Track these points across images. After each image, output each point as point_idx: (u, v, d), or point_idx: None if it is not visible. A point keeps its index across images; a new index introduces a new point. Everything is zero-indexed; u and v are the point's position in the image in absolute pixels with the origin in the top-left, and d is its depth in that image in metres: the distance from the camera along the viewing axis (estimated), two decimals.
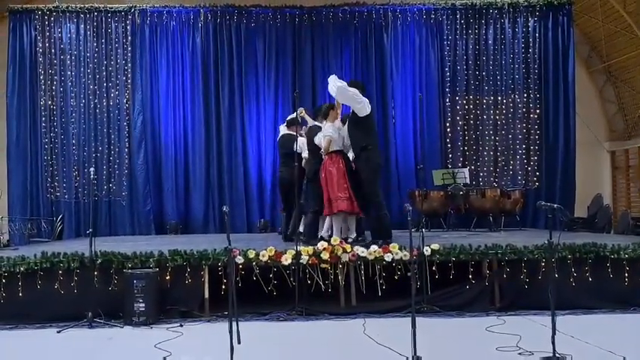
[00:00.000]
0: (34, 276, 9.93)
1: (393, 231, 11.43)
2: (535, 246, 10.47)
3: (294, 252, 10.22)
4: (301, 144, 12.25)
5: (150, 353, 7.86)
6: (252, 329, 8.94)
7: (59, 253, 10.13)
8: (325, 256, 10.27)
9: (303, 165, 12.24)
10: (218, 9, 18.03)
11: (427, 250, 10.33)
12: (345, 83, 11.09)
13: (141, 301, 9.62)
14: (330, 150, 11.22)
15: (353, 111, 11.12)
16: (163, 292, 10.11)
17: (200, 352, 7.45)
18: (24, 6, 17.78)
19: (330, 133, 11.18)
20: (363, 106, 10.92)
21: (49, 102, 17.57)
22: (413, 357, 6.58)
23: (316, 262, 10.29)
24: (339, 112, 11.74)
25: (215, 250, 10.32)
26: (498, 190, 16.53)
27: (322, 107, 11.96)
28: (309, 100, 17.72)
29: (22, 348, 8.57)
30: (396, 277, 10.32)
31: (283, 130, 13.69)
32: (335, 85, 11.03)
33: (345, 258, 10.33)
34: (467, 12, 18.30)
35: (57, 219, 17.16)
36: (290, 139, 12.56)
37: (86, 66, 17.74)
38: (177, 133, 17.93)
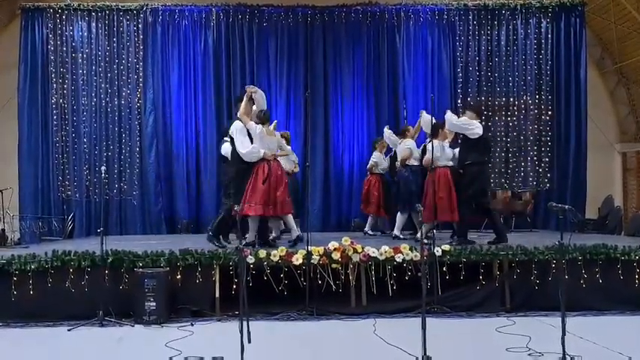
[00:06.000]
0: (45, 274, 9.96)
1: (404, 232, 11.81)
2: (546, 247, 10.48)
3: (304, 252, 10.24)
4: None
5: (160, 352, 7.87)
6: (263, 329, 8.98)
7: (70, 252, 10.16)
8: (336, 256, 10.29)
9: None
10: (230, 8, 17.99)
11: (438, 251, 10.34)
12: (455, 117, 11.91)
13: (152, 300, 9.64)
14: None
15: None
16: (174, 291, 10.13)
17: (211, 351, 7.44)
18: (36, 4, 17.77)
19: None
20: (473, 131, 11.66)
21: (61, 100, 17.57)
22: (423, 357, 6.58)
23: (327, 262, 10.30)
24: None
25: (226, 249, 10.35)
26: (509, 191, 16.55)
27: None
28: (321, 100, 17.75)
29: (33, 346, 8.60)
30: (406, 278, 10.34)
31: None
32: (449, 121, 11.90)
33: (355, 258, 10.34)
34: (479, 13, 18.25)
35: (68, 217, 17.17)
36: None
37: (97, 64, 17.73)
38: (188, 132, 17.92)
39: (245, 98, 11.25)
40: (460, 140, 12.13)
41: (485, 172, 12.14)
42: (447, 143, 12.26)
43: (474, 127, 11.62)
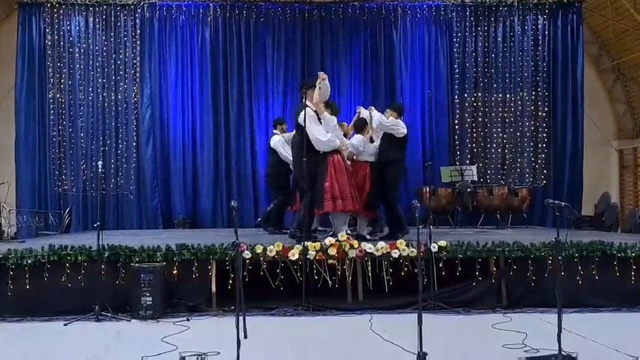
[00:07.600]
0: (41, 269, 9.96)
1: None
2: (542, 244, 10.48)
3: (301, 247, 10.24)
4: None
5: (156, 347, 7.86)
6: (259, 324, 8.95)
7: (67, 246, 10.15)
8: (332, 251, 10.29)
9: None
10: (227, 3, 17.97)
11: (434, 247, 10.34)
12: (383, 116, 12.09)
13: (148, 295, 9.64)
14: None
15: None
16: (170, 286, 10.14)
17: (207, 346, 7.44)
18: None
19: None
20: (399, 130, 12.00)
21: (58, 95, 17.58)
22: (419, 353, 6.58)
23: (323, 257, 10.30)
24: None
25: (223, 244, 10.35)
26: (506, 188, 16.54)
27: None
28: None
29: (29, 341, 8.59)
30: (402, 274, 10.35)
31: None
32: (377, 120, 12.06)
33: (352, 254, 10.35)
34: (476, 9, 18.26)
35: (65, 212, 17.19)
36: None
37: (95, 59, 17.73)
38: (185, 128, 17.91)
39: (317, 85, 11.13)
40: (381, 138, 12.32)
41: (404, 168, 12.73)
42: (376, 139, 12.45)
43: (399, 127, 12.00)
